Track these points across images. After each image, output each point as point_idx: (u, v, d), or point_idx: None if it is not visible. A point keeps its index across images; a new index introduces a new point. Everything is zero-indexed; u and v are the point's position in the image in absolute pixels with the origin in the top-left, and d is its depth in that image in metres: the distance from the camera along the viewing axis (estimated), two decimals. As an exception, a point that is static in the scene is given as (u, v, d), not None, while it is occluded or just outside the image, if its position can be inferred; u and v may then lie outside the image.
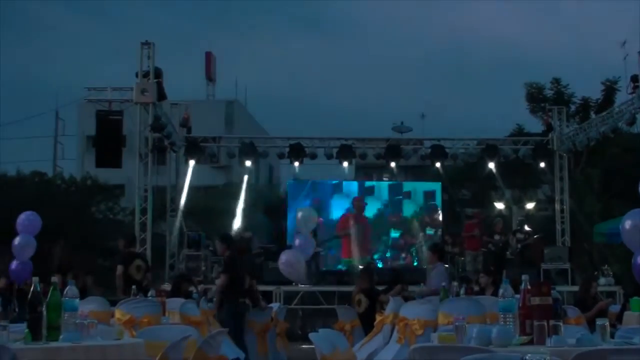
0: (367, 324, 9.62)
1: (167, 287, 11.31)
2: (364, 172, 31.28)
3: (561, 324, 4.23)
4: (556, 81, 24.59)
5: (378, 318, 8.97)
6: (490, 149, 17.60)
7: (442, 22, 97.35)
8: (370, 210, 18.11)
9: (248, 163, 17.73)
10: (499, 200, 23.18)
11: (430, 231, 18.05)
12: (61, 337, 4.27)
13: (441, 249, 11.38)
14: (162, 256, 17.06)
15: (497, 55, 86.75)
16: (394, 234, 18.14)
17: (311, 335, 4.52)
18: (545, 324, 4.21)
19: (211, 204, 23.56)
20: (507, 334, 4.28)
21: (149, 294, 8.41)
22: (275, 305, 11.60)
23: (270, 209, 21.07)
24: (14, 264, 12.50)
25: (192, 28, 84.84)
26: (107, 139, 15.06)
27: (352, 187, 18.67)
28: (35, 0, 75.55)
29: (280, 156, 17.80)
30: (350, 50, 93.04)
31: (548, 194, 22.52)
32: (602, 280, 14.59)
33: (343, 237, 17.73)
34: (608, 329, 4.44)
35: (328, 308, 13.39)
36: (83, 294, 6.26)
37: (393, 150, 17.66)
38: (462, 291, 9.05)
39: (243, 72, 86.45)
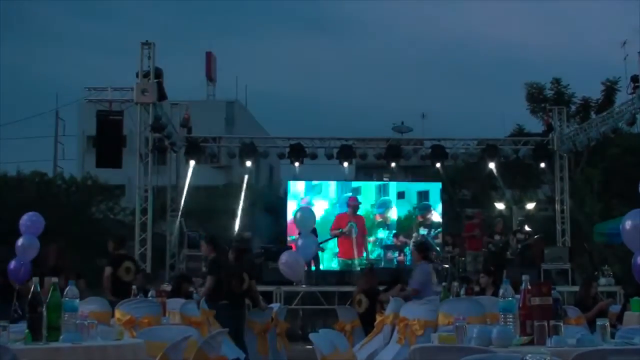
0: (367, 324, 9.59)
1: (167, 287, 11.30)
2: (364, 172, 31.32)
3: (561, 324, 4.22)
4: (556, 81, 24.64)
5: (378, 318, 8.94)
6: (490, 149, 17.60)
7: (443, 22, 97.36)
8: (365, 209, 18.07)
9: (248, 163, 17.73)
10: (499, 200, 23.17)
11: (423, 231, 18.02)
12: (61, 337, 4.27)
13: (426, 247, 10.92)
14: (162, 256, 17.07)
15: (497, 55, 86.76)
16: (388, 234, 18.11)
17: (311, 336, 4.53)
18: (546, 324, 4.20)
19: (211, 204, 23.58)
20: (507, 334, 4.27)
21: (149, 294, 8.41)
22: (275, 306, 11.57)
23: (270, 209, 21.06)
24: (12, 264, 12.48)
25: (192, 28, 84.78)
26: (108, 139, 15.07)
27: (347, 187, 18.63)
28: (35, 0, 75.53)
29: (281, 156, 17.78)
30: (351, 50, 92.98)
31: (548, 194, 22.52)
32: (602, 281, 14.58)
33: (338, 237, 17.71)
34: (608, 329, 4.45)
35: (328, 308, 13.40)
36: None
37: (393, 150, 17.66)
38: (462, 291, 9.06)
39: (243, 72, 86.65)
